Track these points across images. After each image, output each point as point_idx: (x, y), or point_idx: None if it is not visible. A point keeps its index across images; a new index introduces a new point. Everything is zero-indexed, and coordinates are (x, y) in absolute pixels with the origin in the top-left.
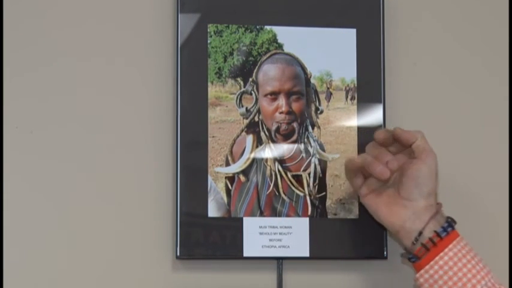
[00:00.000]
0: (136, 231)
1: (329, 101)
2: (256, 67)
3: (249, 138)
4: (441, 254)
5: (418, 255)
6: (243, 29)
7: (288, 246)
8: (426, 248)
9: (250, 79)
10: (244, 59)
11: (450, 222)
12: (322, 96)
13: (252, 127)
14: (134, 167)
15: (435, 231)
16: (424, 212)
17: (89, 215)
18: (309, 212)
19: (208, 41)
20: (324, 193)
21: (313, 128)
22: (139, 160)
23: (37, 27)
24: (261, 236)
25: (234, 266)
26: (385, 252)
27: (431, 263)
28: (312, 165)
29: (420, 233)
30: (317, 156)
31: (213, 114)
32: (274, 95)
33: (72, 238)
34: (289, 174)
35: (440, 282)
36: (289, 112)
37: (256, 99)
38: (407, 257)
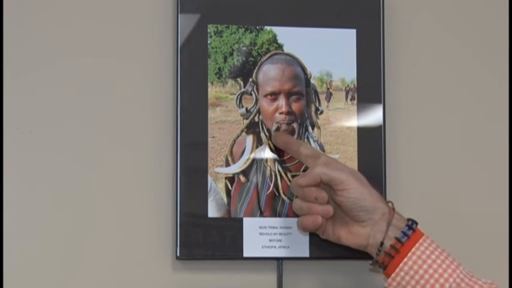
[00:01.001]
0: (136, 232)
1: (329, 101)
2: (256, 67)
3: (249, 139)
4: (405, 259)
5: (384, 263)
6: (243, 29)
7: (288, 247)
8: (390, 256)
9: (250, 79)
10: (244, 59)
11: (410, 225)
12: (322, 97)
13: (252, 127)
14: (134, 167)
15: (396, 238)
16: (380, 223)
17: (89, 216)
18: None
19: (208, 42)
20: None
21: (313, 129)
22: (139, 160)
23: (37, 27)
24: (261, 236)
25: (234, 266)
26: None
27: (397, 270)
28: None
29: (382, 243)
30: None
31: (213, 114)
32: (274, 96)
33: (72, 238)
34: (289, 175)
35: (409, 287)
36: (289, 112)
37: (256, 100)
38: (377, 266)
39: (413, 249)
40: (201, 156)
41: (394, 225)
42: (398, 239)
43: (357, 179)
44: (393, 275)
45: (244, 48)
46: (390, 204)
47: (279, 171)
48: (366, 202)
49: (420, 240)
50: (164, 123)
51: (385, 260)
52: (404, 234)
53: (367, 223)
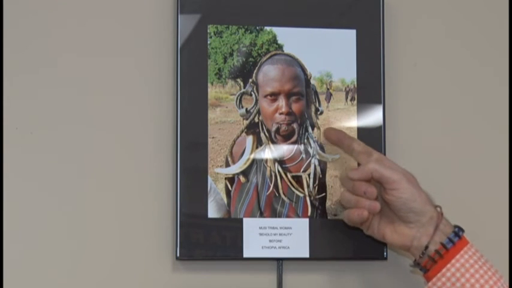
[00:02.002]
0: (136, 232)
1: (329, 101)
2: (256, 68)
3: (249, 139)
4: (448, 265)
5: (426, 267)
6: (243, 29)
7: (288, 247)
8: (433, 261)
9: (250, 80)
10: (244, 59)
11: (457, 232)
12: (322, 97)
13: (252, 128)
14: (134, 168)
15: (441, 243)
16: (427, 226)
17: (89, 216)
18: (309, 213)
19: (208, 42)
20: (323, 194)
21: (313, 129)
22: (139, 161)
23: (37, 28)
24: (261, 236)
25: (234, 266)
26: (385, 253)
27: (439, 275)
28: (312, 166)
29: (426, 247)
30: (317, 157)
31: (213, 115)
32: (274, 96)
33: (72, 239)
34: (289, 175)
35: None
36: (289, 113)
37: (256, 100)
38: (418, 268)
39: (457, 256)
40: (201, 157)
41: (441, 230)
42: (443, 245)
43: (408, 180)
44: (434, 279)
45: (244, 49)
46: (439, 209)
47: (279, 171)
48: (416, 204)
49: (465, 248)
50: (164, 123)
51: (427, 263)
52: (450, 240)
53: (414, 225)
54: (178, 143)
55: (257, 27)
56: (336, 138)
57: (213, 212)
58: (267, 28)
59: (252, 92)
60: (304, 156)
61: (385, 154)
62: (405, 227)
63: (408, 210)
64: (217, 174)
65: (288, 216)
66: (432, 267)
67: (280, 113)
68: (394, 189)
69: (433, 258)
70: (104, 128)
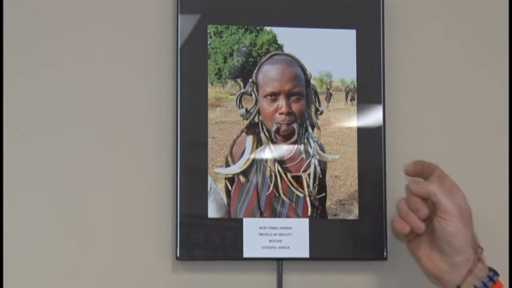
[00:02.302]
0: (136, 232)
1: (329, 101)
2: (256, 68)
3: (249, 139)
4: None
5: None
6: (243, 29)
7: (288, 247)
8: None
9: (250, 80)
10: (244, 59)
11: (491, 276)
12: (322, 97)
13: (252, 128)
14: (134, 168)
15: (474, 286)
16: (461, 266)
17: (89, 216)
18: (309, 213)
19: (208, 42)
20: (323, 194)
21: (313, 129)
22: (139, 161)
23: (37, 28)
24: (261, 236)
25: (234, 266)
26: (385, 253)
27: None
28: (312, 166)
29: (458, 287)
30: (317, 157)
31: (213, 115)
32: (274, 96)
33: (72, 239)
34: (289, 175)
35: None
36: (289, 113)
37: (256, 100)
38: None
39: None
40: (201, 157)
41: (475, 274)
42: None
43: (461, 215)
44: None
45: (244, 49)
46: (480, 250)
47: (279, 171)
48: (457, 241)
49: None
50: (164, 123)
51: None
52: (484, 285)
53: (448, 260)
54: (178, 143)
55: (257, 27)
56: (420, 169)
57: (213, 212)
58: (267, 28)
59: (252, 92)
60: (304, 156)
61: (385, 154)
62: (439, 258)
63: (447, 243)
64: (217, 174)
65: (288, 216)
66: None
67: (280, 113)
68: (442, 219)
69: None
70: (104, 128)
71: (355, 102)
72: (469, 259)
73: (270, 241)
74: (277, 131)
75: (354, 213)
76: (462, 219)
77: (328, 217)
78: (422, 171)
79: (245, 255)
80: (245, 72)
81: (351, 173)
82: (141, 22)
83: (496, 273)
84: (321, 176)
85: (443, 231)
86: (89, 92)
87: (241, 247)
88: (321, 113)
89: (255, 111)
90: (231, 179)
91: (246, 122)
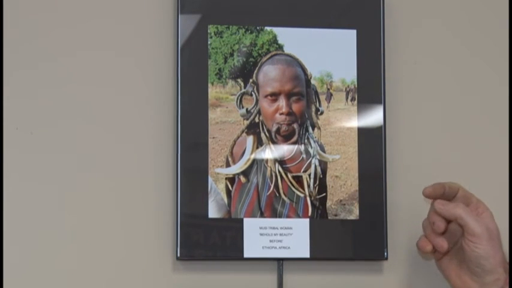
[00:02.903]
0: (136, 232)
1: (329, 101)
2: (257, 68)
3: (250, 139)
4: None
5: None
6: (243, 29)
7: (289, 247)
8: None
9: (251, 80)
10: (244, 60)
11: None
12: (322, 97)
13: (253, 128)
14: (134, 168)
15: None
16: (492, 286)
17: (89, 216)
18: (310, 213)
19: (209, 42)
20: (324, 194)
21: (313, 129)
22: (139, 161)
23: (37, 27)
24: (261, 237)
25: (234, 267)
26: (385, 253)
27: None
28: (312, 166)
29: None
30: (317, 157)
31: (214, 115)
32: (274, 96)
33: (72, 239)
34: (289, 175)
35: None
36: (290, 113)
37: (257, 100)
38: None
39: None
40: (202, 157)
41: None
42: None
43: (489, 236)
44: None
45: (245, 49)
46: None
47: (279, 171)
48: (487, 263)
49: None
50: (164, 124)
51: None
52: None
53: (478, 280)
54: (179, 143)
55: (257, 27)
56: (441, 192)
57: (213, 212)
58: (268, 28)
59: (253, 92)
60: (304, 156)
61: (385, 154)
62: (469, 277)
63: (477, 265)
64: (218, 174)
65: (288, 216)
66: None
67: (281, 113)
68: (471, 242)
69: None
70: (104, 128)
71: (356, 102)
72: (500, 279)
73: (271, 241)
74: (278, 131)
75: (354, 213)
76: (491, 240)
77: (329, 217)
78: (443, 193)
79: (245, 255)
80: (245, 72)
81: (351, 173)
82: (142, 22)
83: None
84: (321, 176)
85: (473, 253)
86: (89, 92)
87: (241, 247)
88: (322, 113)
89: (255, 112)
90: (231, 179)
91: (246, 122)
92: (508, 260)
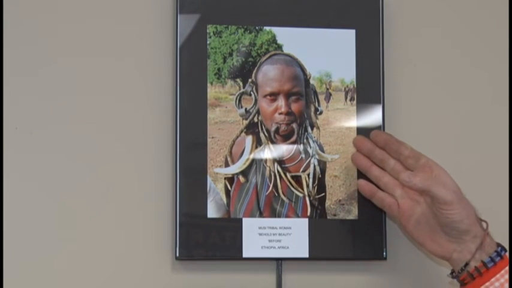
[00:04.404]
0: (135, 232)
1: (328, 101)
2: (256, 68)
3: (249, 139)
4: (487, 283)
5: (464, 281)
6: (243, 29)
7: (288, 247)
8: (472, 277)
9: (250, 80)
10: (243, 59)
11: (499, 252)
12: (321, 97)
13: (252, 128)
14: (134, 168)
15: (482, 261)
16: (470, 244)
17: (88, 216)
18: (309, 213)
19: (208, 42)
20: (323, 194)
21: (312, 129)
22: (139, 161)
23: (37, 27)
24: (260, 236)
25: (233, 266)
26: (384, 253)
27: None
28: (312, 166)
29: (466, 264)
30: (316, 157)
31: (213, 115)
32: (273, 96)
33: (71, 239)
34: (288, 175)
35: None
36: (289, 113)
37: (256, 100)
38: (455, 279)
39: (497, 276)
40: (201, 157)
41: (484, 249)
42: (484, 263)
43: (459, 199)
44: None
45: (244, 49)
46: (484, 224)
47: (278, 171)
48: (463, 224)
49: (506, 268)
50: (164, 123)
51: (465, 278)
52: (492, 260)
53: (456, 240)
54: (178, 143)
55: (256, 27)
56: (383, 140)
57: (212, 212)
58: (267, 28)
59: (252, 92)
60: (303, 156)
61: None
62: (446, 240)
63: (452, 229)
64: (217, 174)
65: (287, 216)
66: (470, 282)
67: (280, 113)
68: (444, 210)
69: (472, 274)
70: (104, 127)
71: (355, 102)
72: (477, 236)
73: (270, 241)
74: (277, 131)
75: (353, 213)
76: (461, 202)
77: (328, 217)
78: (388, 143)
79: (244, 255)
80: (244, 72)
81: (350, 173)
82: (141, 22)
83: (503, 249)
84: (320, 175)
85: (447, 219)
86: (89, 92)
87: (240, 247)
88: (321, 113)
89: (254, 111)
90: (230, 179)
91: (245, 122)
92: (479, 215)
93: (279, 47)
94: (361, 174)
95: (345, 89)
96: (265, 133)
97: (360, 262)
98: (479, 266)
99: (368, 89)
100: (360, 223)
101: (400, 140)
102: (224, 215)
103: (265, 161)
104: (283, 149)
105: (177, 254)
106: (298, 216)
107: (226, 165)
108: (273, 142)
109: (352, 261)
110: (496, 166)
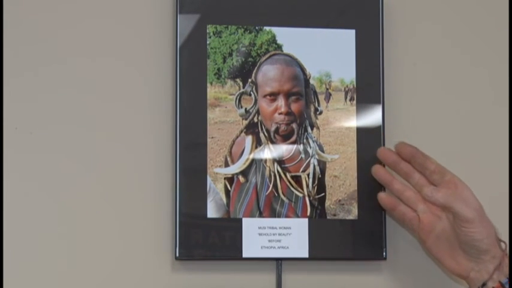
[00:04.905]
0: (135, 232)
1: (328, 101)
2: (256, 68)
3: (248, 139)
4: None
5: None
6: (242, 29)
7: (287, 247)
8: None
9: (250, 80)
10: (243, 59)
11: None
12: (321, 97)
13: (251, 128)
14: (134, 168)
15: (500, 282)
16: (488, 264)
17: (88, 216)
18: (308, 213)
19: (208, 42)
20: (323, 194)
21: (312, 129)
22: (138, 161)
23: (37, 28)
24: (260, 236)
25: (233, 266)
26: (384, 253)
27: None
28: (311, 166)
29: (484, 284)
30: (316, 157)
31: (212, 115)
32: (273, 96)
33: (71, 239)
34: (288, 175)
35: None
36: (289, 113)
37: (256, 100)
38: None
39: None
40: (200, 157)
41: (502, 270)
42: (502, 284)
43: (481, 218)
44: None
45: (244, 49)
46: (503, 245)
47: (278, 171)
48: (482, 244)
49: None
50: (163, 123)
51: None
52: (510, 280)
53: (474, 259)
54: (178, 143)
55: (256, 27)
56: (409, 153)
57: (212, 212)
58: (266, 28)
59: (251, 92)
60: (303, 156)
61: None
62: (465, 258)
63: (472, 247)
64: (217, 174)
65: (287, 216)
66: None
67: (280, 113)
68: (465, 227)
69: None
70: (103, 127)
71: (355, 102)
72: (496, 256)
73: (269, 241)
74: (277, 131)
75: (353, 213)
76: (483, 221)
77: (328, 217)
78: (414, 156)
79: (244, 255)
80: (244, 72)
81: (350, 173)
82: (141, 22)
83: None
84: (320, 176)
85: (467, 237)
86: (89, 92)
87: (240, 247)
88: (320, 113)
89: (254, 111)
90: (230, 179)
91: (245, 122)
92: (498, 236)
93: (279, 47)
94: (361, 175)
95: (344, 89)
96: (265, 133)
97: (360, 262)
98: (497, 287)
99: (368, 89)
100: (360, 223)
101: (426, 153)
102: (224, 215)
103: (265, 161)
104: (283, 149)
105: (177, 254)
106: (298, 216)
107: (226, 165)
108: (272, 142)
109: (352, 261)
110: (496, 166)
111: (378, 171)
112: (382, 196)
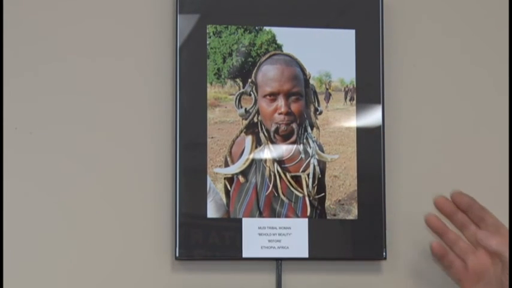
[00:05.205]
0: (135, 232)
1: (328, 101)
2: (256, 68)
3: (248, 139)
4: None
5: None
6: (242, 29)
7: (287, 247)
8: None
9: (250, 80)
10: (243, 59)
11: None
12: (321, 97)
13: (251, 128)
14: (133, 168)
15: None
16: None
17: (88, 216)
18: (308, 213)
19: (208, 42)
20: (323, 194)
21: (312, 129)
22: (138, 161)
23: (37, 28)
24: (260, 236)
25: (233, 267)
26: (384, 253)
27: None
28: (311, 166)
29: None
30: (316, 157)
31: (212, 115)
32: (273, 96)
33: (71, 239)
34: (288, 175)
35: None
36: (288, 113)
37: (256, 100)
38: None
39: None
40: (200, 157)
41: None
42: None
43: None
44: None
45: (243, 49)
46: None
47: (278, 171)
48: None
49: None
50: (163, 123)
51: None
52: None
53: None
54: (178, 143)
55: (256, 27)
56: (466, 203)
57: (212, 212)
58: (266, 28)
59: (251, 92)
60: (303, 156)
61: (384, 154)
62: None
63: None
64: (217, 174)
65: (287, 216)
66: None
67: (280, 113)
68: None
69: None
70: (103, 127)
71: (354, 102)
72: None
73: (269, 241)
74: (277, 131)
75: (353, 213)
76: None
77: (327, 217)
78: (471, 206)
79: (244, 255)
80: (244, 72)
81: (350, 173)
82: (141, 22)
83: None
84: (320, 176)
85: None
86: (88, 92)
87: (240, 247)
88: (320, 113)
89: (254, 111)
90: (230, 179)
91: (245, 122)
92: None
93: (279, 47)
94: (361, 175)
95: (344, 89)
96: (265, 133)
97: (360, 262)
98: None
99: (368, 89)
100: (360, 223)
101: (483, 206)
102: (224, 215)
103: (265, 161)
104: (282, 149)
105: (177, 254)
106: (298, 216)
107: (226, 165)
108: (272, 142)
109: (352, 261)
110: (496, 166)
111: (432, 220)
112: (434, 245)
